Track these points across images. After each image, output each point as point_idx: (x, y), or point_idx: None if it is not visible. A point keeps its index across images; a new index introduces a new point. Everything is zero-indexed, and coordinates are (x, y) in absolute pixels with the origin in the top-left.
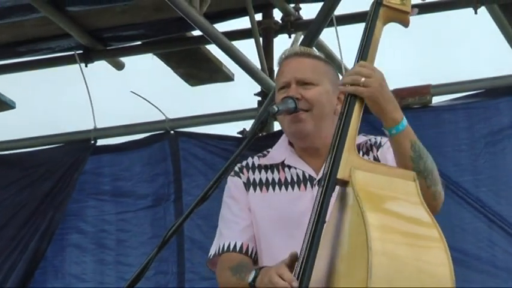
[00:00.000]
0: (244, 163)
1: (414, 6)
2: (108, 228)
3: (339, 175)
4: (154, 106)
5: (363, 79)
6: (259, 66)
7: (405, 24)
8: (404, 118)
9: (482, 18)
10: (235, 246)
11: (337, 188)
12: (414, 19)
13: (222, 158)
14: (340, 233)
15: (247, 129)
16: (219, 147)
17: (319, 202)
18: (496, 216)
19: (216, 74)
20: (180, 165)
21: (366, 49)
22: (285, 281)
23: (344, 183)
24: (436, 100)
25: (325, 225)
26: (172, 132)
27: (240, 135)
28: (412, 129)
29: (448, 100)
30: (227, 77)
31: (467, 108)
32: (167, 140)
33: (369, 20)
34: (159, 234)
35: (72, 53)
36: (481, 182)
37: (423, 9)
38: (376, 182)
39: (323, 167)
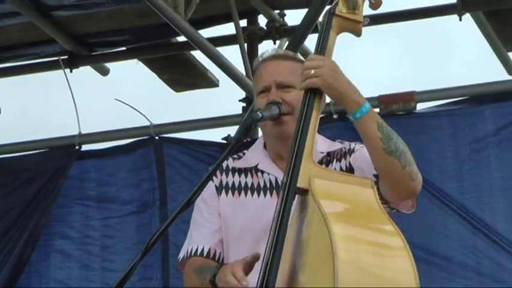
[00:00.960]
0: (223, 160)
1: (366, 16)
2: (93, 233)
3: (299, 183)
4: (139, 112)
5: (312, 71)
6: (243, 72)
7: (357, 33)
8: (366, 101)
9: (467, 25)
10: (202, 250)
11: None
12: (399, 26)
13: (206, 163)
14: (302, 241)
15: (232, 135)
16: (203, 153)
17: (279, 211)
18: (480, 223)
19: (200, 79)
20: (165, 171)
21: (323, 43)
22: (236, 280)
23: (304, 192)
24: (421, 107)
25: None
26: (157, 138)
27: (224, 141)
28: (385, 128)
29: (432, 107)
30: (212, 83)
31: (452, 115)
32: (152, 146)
33: (322, 30)
34: (144, 240)
35: (57, 58)
36: (466, 188)
37: (409, 15)
38: (336, 190)
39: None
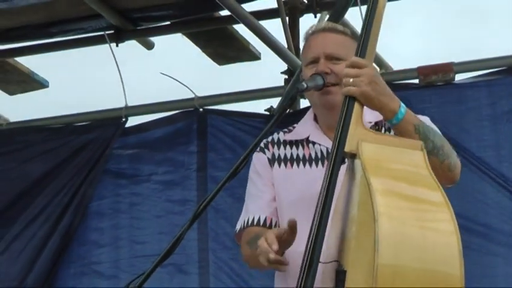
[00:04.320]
0: (269, 139)
1: None
2: (123, 192)
3: (347, 148)
4: (183, 85)
5: (351, 80)
6: (285, 45)
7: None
8: (402, 105)
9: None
10: (259, 219)
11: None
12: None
13: (249, 134)
14: (350, 204)
15: (274, 106)
16: (246, 124)
17: (327, 176)
18: None
19: (243, 53)
20: (207, 140)
21: (364, 44)
22: (267, 244)
23: (352, 156)
24: (459, 77)
25: (336, 196)
26: (201, 109)
27: (267, 113)
28: (412, 112)
29: (470, 77)
30: (254, 56)
31: (489, 86)
32: (195, 117)
33: (368, 11)
34: (174, 199)
35: (103, 33)
36: (504, 157)
37: None
38: (383, 153)
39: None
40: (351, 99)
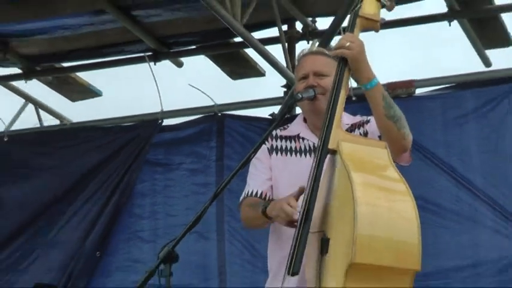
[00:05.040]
0: (271, 132)
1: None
2: (159, 177)
3: (330, 146)
4: (206, 94)
5: (347, 43)
6: (285, 64)
7: (376, 30)
8: (376, 77)
9: (456, 29)
10: (256, 192)
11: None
12: (405, 30)
13: (257, 134)
14: (332, 188)
15: (276, 112)
16: (254, 126)
17: (315, 165)
18: (463, 179)
19: (251, 70)
20: (224, 138)
21: (353, 24)
22: (291, 207)
23: (333, 152)
24: (419, 91)
25: (320, 181)
26: (219, 114)
27: (270, 117)
28: (388, 100)
29: (427, 91)
30: (260, 73)
31: (442, 98)
32: (215, 120)
33: (348, 27)
34: (198, 182)
35: (143, 54)
36: (452, 153)
37: (408, 21)
38: (357, 150)
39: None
40: (342, 61)
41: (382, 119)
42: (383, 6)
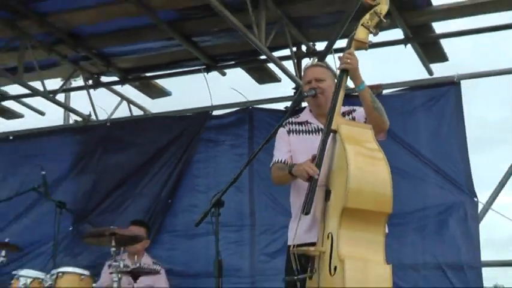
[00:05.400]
0: (287, 121)
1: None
2: (210, 150)
3: (333, 127)
4: (241, 93)
5: (348, 60)
6: (294, 73)
7: (365, 49)
8: (364, 82)
9: (409, 50)
10: (282, 160)
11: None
12: (377, 51)
13: (275, 121)
14: (333, 156)
15: (288, 106)
16: (274, 115)
17: (323, 141)
18: (416, 152)
19: (271, 78)
20: (253, 123)
21: (349, 43)
22: (313, 170)
23: (335, 132)
24: (385, 92)
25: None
26: (250, 107)
27: (284, 109)
28: (373, 98)
29: (390, 92)
30: (277, 79)
31: (401, 96)
32: (247, 112)
33: (346, 47)
34: (236, 153)
35: (199, 67)
36: (408, 134)
37: (379, 45)
38: (351, 131)
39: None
40: (344, 71)
41: (371, 110)
42: (371, 32)
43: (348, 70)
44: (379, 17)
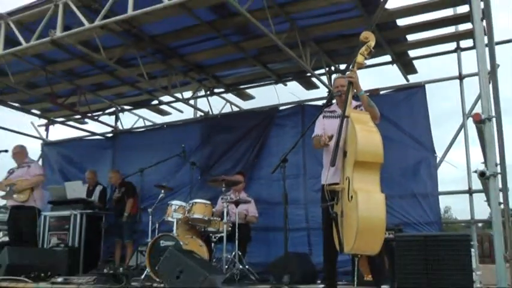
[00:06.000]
0: (323, 110)
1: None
2: (280, 133)
3: (346, 113)
4: (296, 96)
5: (351, 77)
6: (327, 83)
7: (362, 68)
8: (363, 90)
9: (395, 68)
10: (317, 134)
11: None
12: (375, 70)
13: (317, 111)
14: (348, 132)
15: (324, 102)
16: (316, 108)
17: (341, 122)
18: (399, 127)
19: (314, 86)
20: (305, 114)
21: (352, 65)
22: (325, 138)
23: (347, 117)
24: (382, 93)
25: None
26: (302, 104)
27: (322, 105)
28: (369, 99)
29: (385, 92)
30: (317, 87)
31: (392, 96)
32: (300, 107)
33: (350, 66)
34: (293, 133)
35: (270, 81)
36: (397, 117)
37: (374, 65)
38: (357, 115)
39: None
40: (350, 83)
41: (367, 107)
42: (365, 58)
43: (352, 83)
44: (370, 48)
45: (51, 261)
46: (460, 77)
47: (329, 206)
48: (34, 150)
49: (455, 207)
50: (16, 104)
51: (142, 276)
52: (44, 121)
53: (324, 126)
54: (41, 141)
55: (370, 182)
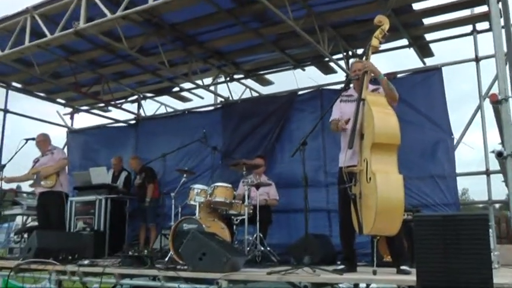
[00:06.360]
0: (340, 94)
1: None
2: (300, 117)
3: (362, 97)
4: (314, 81)
5: (364, 65)
6: (345, 67)
7: (377, 52)
8: (381, 73)
9: (412, 51)
10: (335, 118)
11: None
12: (392, 54)
13: (335, 95)
14: (364, 115)
15: (342, 86)
16: (334, 93)
17: (357, 105)
18: (417, 110)
19: (332, 71)
20: (323, 98)
21: (366, 57)
22: (341, 123)
23: (363, 100)
24: (399, 76)
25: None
26: (320, 89)
27: (340, 89)
28: (388, 82)
29: (401, 75)
30: (335, 72)
31: (409, 78)
32: (318, 92)
33: (367, 52)
34: (312, 118)
35: (289, 67)
36: (414, 99)
37: (392, 49)
38: (374, 98)
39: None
40: (364, 73)
41: (386, 89)
42: (380, 42)
43: (367, 71)
44: (384, 32)
45: (78, 245)
46: (477, 59)
47: (347, 187)
48: (60, 138)
49: (473, 189)
50: (42, 94)
51: (166, 259)
52: (69, 110)
53: (341, 110)
54: (66, 129)
55: (388, 163)
